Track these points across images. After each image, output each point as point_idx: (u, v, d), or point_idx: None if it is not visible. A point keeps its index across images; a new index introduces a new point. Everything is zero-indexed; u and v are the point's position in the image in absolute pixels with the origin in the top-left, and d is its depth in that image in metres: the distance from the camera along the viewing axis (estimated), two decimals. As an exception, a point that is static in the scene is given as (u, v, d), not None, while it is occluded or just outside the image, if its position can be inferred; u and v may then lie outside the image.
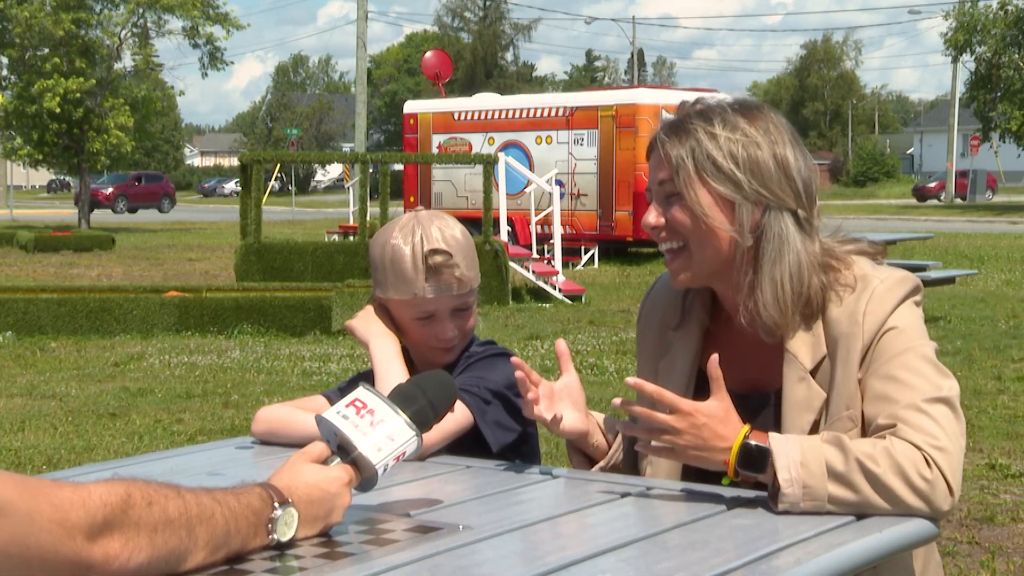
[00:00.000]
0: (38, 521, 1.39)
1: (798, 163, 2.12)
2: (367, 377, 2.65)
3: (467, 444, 2.43)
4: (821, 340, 2.10)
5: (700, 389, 2.22)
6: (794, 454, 1.92)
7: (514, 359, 2.23)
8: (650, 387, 2.00)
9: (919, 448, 1.92)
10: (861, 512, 1.90)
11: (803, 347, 2.10)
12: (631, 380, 2.03)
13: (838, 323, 2.08)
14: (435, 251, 2.47)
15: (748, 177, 2.08)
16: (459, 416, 2.37)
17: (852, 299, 2.09)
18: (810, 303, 2.10)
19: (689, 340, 2.26)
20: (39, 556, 1.39)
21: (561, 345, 2.28)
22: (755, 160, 2.09)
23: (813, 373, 2.09)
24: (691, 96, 2.28)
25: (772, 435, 1.97)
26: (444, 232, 2.50)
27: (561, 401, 2.23)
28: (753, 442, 1.96)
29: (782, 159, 2.10)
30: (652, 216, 2.15)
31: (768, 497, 1.94)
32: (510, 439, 2.48)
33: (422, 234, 2.49)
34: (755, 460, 1.96)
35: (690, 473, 2.20)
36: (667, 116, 2.21)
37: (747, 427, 1.99)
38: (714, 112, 2.13)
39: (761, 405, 2.16)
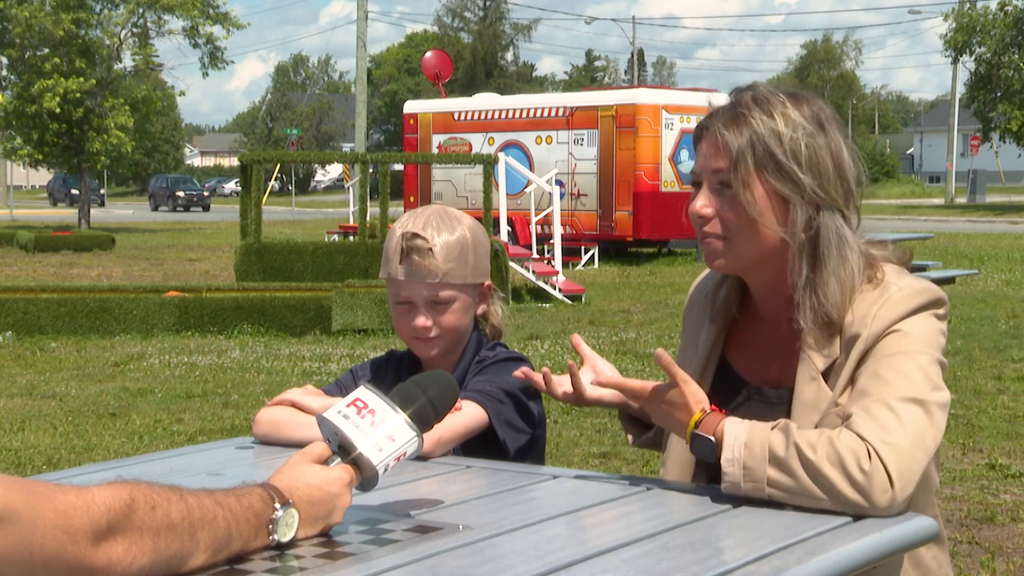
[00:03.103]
0: (42, 527, 1.38)
1: (848, 161, 2.09)
2: (362, 370, 2.66)
3: (478, 447, 2.43)
4: (836, 342, 2.08)
5: (718, 379, 2.24)
6: (741, 435, 1.93)
7: (523, 370, 2.32)
8: (666, 359, 2.00)
9: (864, 439, 1.88)
10: (799, 500, 1.88)
11: (818, 348, 2.09)
12: (658, 351, 2.03)
13: (851, 326, 2.07)
14: (414, 235, 2.49)
15: (809, 178, 2.05)
16: (476, 416, 2.39)
17: (868, 303, 2.07)
18: None
19: (712, 331, 2.26)
20: (43, 562, 1.39)
21: (576, 338, 2.36)
22: (815, 160, 2.05)
23: (825, 374, 2.08)
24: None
25: (728, 419, 1.97)
26: (435, 224, 2.50)
27: (584, 376, 2.27)
28: (700, 432, 1.98)
29: (837, 157, 2.08)
30: (700, 203, 2.10)
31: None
32: (523, 441, 2.49)
33: (415, 220, 2.51)
34: (704, 448, 1.98)
35: (701, 473, 2.22)
36: (718, 102, 2.14)
37: (699, 413, 1.99)
38: (772, 104, 2.08)
39: (777, 400, 2.16)
